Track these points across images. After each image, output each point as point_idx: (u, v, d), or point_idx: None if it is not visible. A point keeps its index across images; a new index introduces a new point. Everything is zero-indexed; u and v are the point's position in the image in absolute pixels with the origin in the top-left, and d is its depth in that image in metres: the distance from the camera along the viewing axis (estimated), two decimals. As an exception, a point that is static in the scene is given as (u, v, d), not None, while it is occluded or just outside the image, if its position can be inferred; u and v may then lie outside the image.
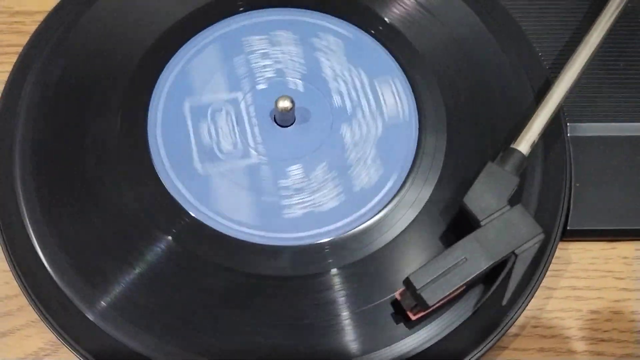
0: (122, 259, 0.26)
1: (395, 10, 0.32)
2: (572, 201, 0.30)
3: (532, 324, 0.29)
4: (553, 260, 0.29)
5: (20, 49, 0.32)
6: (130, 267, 0.26)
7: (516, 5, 0.34)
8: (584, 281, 0.30)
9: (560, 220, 0.28)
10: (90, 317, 0.25)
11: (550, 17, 0.34)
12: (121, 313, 0.26)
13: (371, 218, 0.27)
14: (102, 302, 0.26)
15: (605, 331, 0.29)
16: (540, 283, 0.27)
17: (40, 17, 0.33)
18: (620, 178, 0.30)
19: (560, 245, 0.30)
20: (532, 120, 0.28)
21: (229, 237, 0.27)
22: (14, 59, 0.31)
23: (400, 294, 0.25)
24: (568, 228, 0.29)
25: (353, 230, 0.27)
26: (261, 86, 0.30)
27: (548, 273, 0.29)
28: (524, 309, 0.27)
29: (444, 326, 0.26)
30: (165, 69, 0.30)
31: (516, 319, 0.26)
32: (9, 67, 0.31)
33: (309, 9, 0.31)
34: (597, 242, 0.30)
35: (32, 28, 0.32)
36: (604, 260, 0.30)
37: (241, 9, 0.31)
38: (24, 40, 0.32)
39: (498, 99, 0.30)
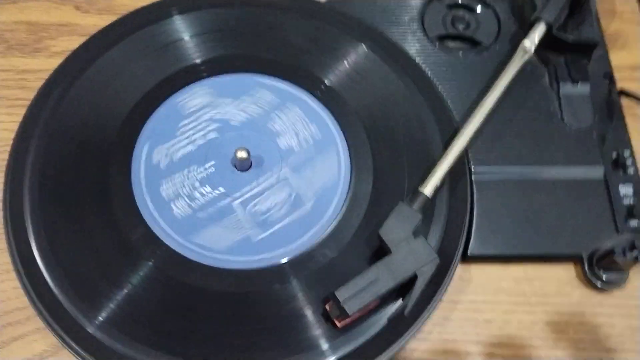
0: (114, 281, 0.33)
1: (333, 75, 0.39)
2: (472, 231, 0.37)
3: (437, 331, 0.36)
4: (457, 279, 0.36)
5: (25, 102, 0.38)
6: (120, 287, 0.33)
7: (431, 65, 0.42)
8: (481, 296, 0.37)
9: (460, 247, 0.35)
10: (86, 327, 0.32)
11: (461, 75, 0.42)
12: (113, 324, 0.32)
13: (311, 247, 0.35)
14: (95, 314, 0.32)
15: (496, 335, 0.36)
16: (441, 297, 0.34)
17: (43, 75, 0.39)
18: (512, 213, 0.37)
19: (463, 267, 0.37)
20: (436, 168, 0.35)
21: (198, 262, 0.34)
22: (20, 110, 0.38)
23: (329, 306, 0.32)
24: (468, 253, 0.37)
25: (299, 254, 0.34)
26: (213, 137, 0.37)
27: (452, 289, 0.36)
28: (429, 317, 0.34)
29: (361, 333, 0.33)
30: (143, 128, 0.37)
31: (420, 326, 0.33)
32: (17, 118, 0.38)
33: (264, 74, 0.39)
34: (493, 265, 0.37)
35: (36, 84, 0.39)
36: (498, 279, 0.37)
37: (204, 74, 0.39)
38: (28, 94, 0.39)
39: (414, 147, 0.37)
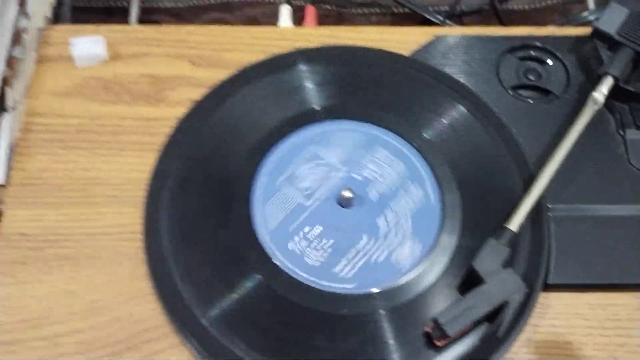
0: (232, 293, 0.39)
1: (431, 129, 0.44)
2: (551, 263, 0.41)
3: (522, 351, 0.40)
4: (538, 305, 0.41)
5: (152, 146, 0.45)
6: (235, 298, 0.38)
7: (506, 112, 0.46)
8: (560, 320, 0.41)
9: (541, 277, 0.40)
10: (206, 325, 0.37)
11: (533, 121, 0.46)
12: (228, 327, 0.38)
13: (410, 275, 0.39)
14: (215, 313, 0.38)
15: (575, 356, 0.40)
16: (526, 321, 0.39)
17: (166, 122, 0.45)
18: (586, 246, 0.42)
19: (543, 294, 0.41)
20: (520, 206, 0.40)
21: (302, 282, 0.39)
22: (148, 154, 0.44)
23: (431, 328, 0.37)
24: (548, 282, 0.41)
25: (397, 282, 0.39)
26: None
27: (534, 314, 0.40)
28: (516, 338, 0.38)
29: (461, 351, 0.37)
30: (262, 165, 0.43)
31: (509, 346, 0.38)
32: (146, 160, 0.44)
33: (368, 122, 0.44)
34: (569, 292, 0.42)
35: (161, 130, 0.45)
36: (574, 305, 0.41)
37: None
38: (155, 139, 0.45)
39: (498, 190, 0.42)
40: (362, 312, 0.38)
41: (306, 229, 0.41)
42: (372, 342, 0.37)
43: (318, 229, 0.41)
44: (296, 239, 0.40)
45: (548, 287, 0.41)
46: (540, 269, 0.40)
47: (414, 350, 0.37)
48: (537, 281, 0.39)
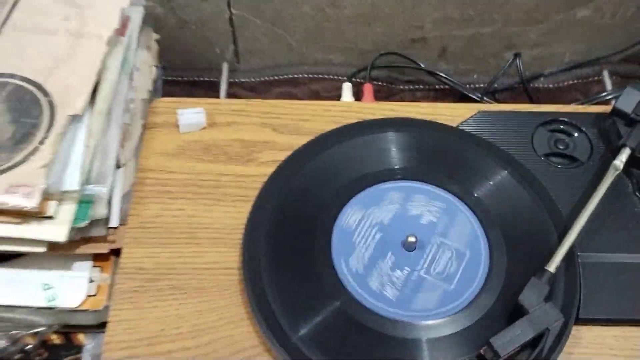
0: (317, 317, 0.47)
1: (480, 188, 0.53)
2: (581, 300, 0.49)
3: (559, 375, 0.47)
4: (570, 337, 0.48)
5: (244, 198, 0.53)
6: (320, 322, 0.46)
7: (540, 175, 0.55)
8: (589, 349, 0.48)
9: (574, 311, 0.47)
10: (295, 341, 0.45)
11: (563, 184, 0.55)
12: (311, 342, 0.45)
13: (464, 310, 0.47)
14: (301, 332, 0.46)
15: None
16: (562, 349, 0.46)
17: (256, 178, 0.55)
18: (612, 288, 0.49)
19: (575, 327, 0.49)
20: (557, 252, 0.48)
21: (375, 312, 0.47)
22: (241, 204, 0.53)
23: (484, 350, 0.45)
24: (579, 317, 0.48)
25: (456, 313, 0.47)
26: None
27: (568, 344, 0.48)
28: (554, 364, 0.46)
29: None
30: (341, 213, 0.51)
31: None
32: (240, 210, 0.53)
33: (428, 183, 0.53)
34: (598, 326, 0.49)
35: (252, 185, 0.54)
36: (602, 337, 0.49)
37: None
38: (246, 192, 0.54)
39: (537, 240, 0.50)
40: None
41: (378, 265, 0.49)
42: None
43: (387, 266, 0.49)
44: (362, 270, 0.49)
45: (579, 321, 0.49)
46: (574, 303, 0.47)
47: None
48: (571, 314, 0.47)
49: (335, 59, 0.73)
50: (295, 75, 0.74)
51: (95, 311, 0.54)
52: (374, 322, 0.47)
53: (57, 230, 0.49)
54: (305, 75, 0.73)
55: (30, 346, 0.57)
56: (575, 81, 0.73)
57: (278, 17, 0.68)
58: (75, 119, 0.52)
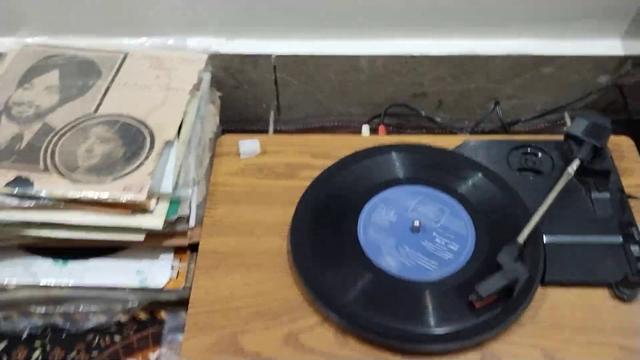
0: (347, 281, 0.62)
1: (467, 189, 0.70)
2: (546, 268, 0.64)
3: (528, 315, 0.62)
4: (539, 296, 0.63)
5: (290, 204, 0.70)
6: (352, 284, 0.62)
7: (513, 184, 0.71)
8: (554, 303, 0.63)
9: (539, 272, 0.63)
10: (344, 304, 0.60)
11: (531, 189, 0.71)
12: (357, 304, 0.61)
13: (457, 273, 0.63)
14: (350, 297, 0.61)
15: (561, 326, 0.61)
16: (532, 298, 0.61)
17: (298, 189, 0.72)
18: (568, 259, 0.65)
19: (542, 288, 0.63)
20: (524, 230, 0.63)
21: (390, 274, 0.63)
22: (287, 208, 0.70)
23: (471, 296, 0.60)
24: (545, 280, 0.63)
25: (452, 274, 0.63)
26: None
27: (538, 299, 0.62)
28: (526, 308, 0.60)
29: (485, 314, 0.59)
30: (365, 206, 0.68)
31: (520, 313, 0.60)
32: (287, 211, 0.69)
33: (424, 185, 0.70)
34: (559, 288, 0.64)
35: (296, 194, 0.71)
36: (561, 295, 0.63)
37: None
38: (290, 199, 0.71)
39: (509, 223, 0.66)
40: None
41: (391, 245, 0.65)
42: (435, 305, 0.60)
43: (399, 244, 0.65)
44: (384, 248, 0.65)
45: (545, 283, 0.64)
46: (538, 265, 0.63)
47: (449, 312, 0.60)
48: (537, 272, 0.62)
49: (355, 110, 0.92)
50: (324, 124, 0.92)
51: (176, 290, 0.70)
52: (395, 284, 0.62)
53: (156, 221, 0.66)
54: (332, 124, 0.92)
55: (124, 321, 0.73)
56: (547, 124, 0.91)
57: (311, 79, 0.88)
58: (168, 144, 0.71)
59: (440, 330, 0.59)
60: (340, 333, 0.61)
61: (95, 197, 0.64)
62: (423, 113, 0.89)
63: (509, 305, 0.60)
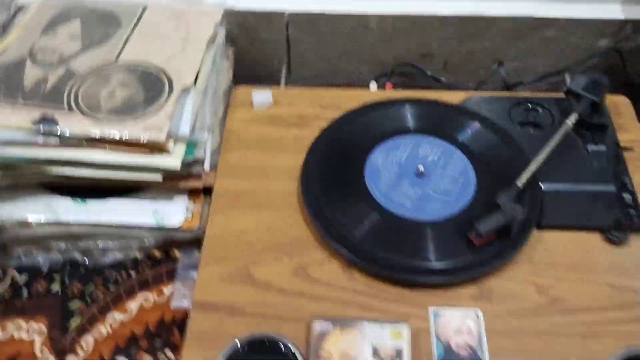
0: (357, 222, 0.65)
1: (463, 134, 0.73)
2: (542, 213, 0.67)
3: (525, 252, 0.65)
4: (535, 238, 0.66)
5: (300, 150, 0.74)
6: (360, 223, 0.65)
7: (516, 137, 0.74)
8: (549, 245, 0.66)
9: (536, 214, 0.66)
10: (351, 240, 0.64)
11: (532, 142, 0.74)
12: (363, 239, 0.64)
13: (458, 214, 0.66)
14: (358, 234, 0.64)
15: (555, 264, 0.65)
16: (525, 245, 0.64)
17: (308, 137, 0.75)
18: (565, 205, 0.68)
19: (537, 232, 0.67)
20: (523, 175, 0.67)
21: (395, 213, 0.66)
22: (298, 154, 0.73)
23: (469, 233, 0.63)
24: (542, 224, 0.67)
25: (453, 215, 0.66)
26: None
27: (534, 242, 0.66)
28: (517, 253, 0.64)
29: (483, 251, 0.63)
30: (372, 151, 0.71)
31: (518, 250, 0.63)
32: (297, 157, 0.73)
33: (425, 134, 0.73)
34: (555, 231, 0.67)
35: (305, 142, 0.74)
36: (556, 239, 0.67)
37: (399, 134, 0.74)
38: (301, 146, 0.74)
39: (508, 169, 0.69)
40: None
41: (396, 187, 0.68)
42: (436, 241, 0.64)
43: (404, 187, 0.68)
44: (387, 188, 0.68)
45: (541, 227, 0.67)
46: (535, 212, 0.66)
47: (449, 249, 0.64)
48: (533, 214, 0.66)
49: (363, 70, 0.94)
50: (333, 83, 0.95)
51: (190, 230, 0.74)
52: (399, 223, 0.66)
53: (174, 161, 0.69)
54: (340, 82, 0.95)
55: (139, 258, 0.77)
56: (548, 87, 0.94)
57: (322, 37, 0.91)
58: (185, 90, 0.74)
59: (439, 265, 0.62)
60: (347, 267, 0.64)
61: (117, 136, 0.68)
62: (429, 72, 0.92)
63: (506, 244, 0.64)
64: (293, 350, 0.58)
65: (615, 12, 0.86)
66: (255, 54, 0.93)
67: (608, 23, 0.86)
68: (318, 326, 0.59)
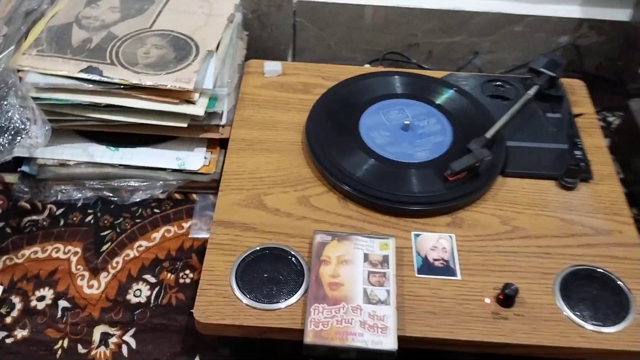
0: (354, 164, 0.77)
1: (442, 99, 0.86)
2: (506, 163, 0.80)
3: (489, 199, 0.77)
4: (499, 184, 0.79)
5: (304, 109, 0.86)
6: (357, 167, 0.77)
7: (488, 106, 0.87)
8: (511, 188, 0.78)
9: (500, 167, 0.78)
10: (352, 177, 0.76)
11: (501, 111, 0.87)
12: (362, 176, 0.76)
13: (438, 157, 0.78)
14: (358, 174, 0.76)
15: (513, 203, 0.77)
16: (491, 186, 0.77)
17: (311, 100, 0.87)
18: (526, 158, 0.80)
19: (502, 178, 0.79)
20: (490, 129, 0.79)
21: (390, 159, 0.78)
22: (302, 113, 0.85)
23: (444, 172, 0.75)
24: (506, 171, 0.79)
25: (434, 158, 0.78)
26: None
27: (498, 186, 0.78)
28: (485, 192, 0.76)
29: (457, 189, 0.75)
30: (366, 109, 0.84)
31: (487, 187, 0.76)
32: (302, 115, 0.85)
33: (411, 99, 0.86)
34: (516, 178, 0.79)
35: (309, 104, 0.87)
36: (519, 185, 0.79)
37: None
38: (306, 107, 0.86)
39: (479, 126, 0.82)
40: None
41: (385, 136, 0.81)
42: (418, 179, 0.76)
43: (394, 138, 0.81)
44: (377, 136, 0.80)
45: (505, 174, 0.79)
46: (500, 159, 0.79)
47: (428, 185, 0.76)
48: (499, 163, 0.78)
49: (359, 57, 1.08)
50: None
51: (208, 174, 0.85)
52: (387, 164, 0.78)
53: (198, 109, 0.81)
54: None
55: (162, 198, 0.88)
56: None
57: (325, 25, 1.04)
58: (209, 53, 0.86)
59: (420, 197, 0.74)
60: (342, 198, 0.76)
61: (153, 84, 0.79)
62: (414, 61, 1.05)
63: (477, 184, 0.76)
64: (298, 257, 0.69)
65: (575, 12, 1.00)
66: (265, 38, 1.05)
67: (568, 21, 1.00)
68: (319, 237, 0.70)
